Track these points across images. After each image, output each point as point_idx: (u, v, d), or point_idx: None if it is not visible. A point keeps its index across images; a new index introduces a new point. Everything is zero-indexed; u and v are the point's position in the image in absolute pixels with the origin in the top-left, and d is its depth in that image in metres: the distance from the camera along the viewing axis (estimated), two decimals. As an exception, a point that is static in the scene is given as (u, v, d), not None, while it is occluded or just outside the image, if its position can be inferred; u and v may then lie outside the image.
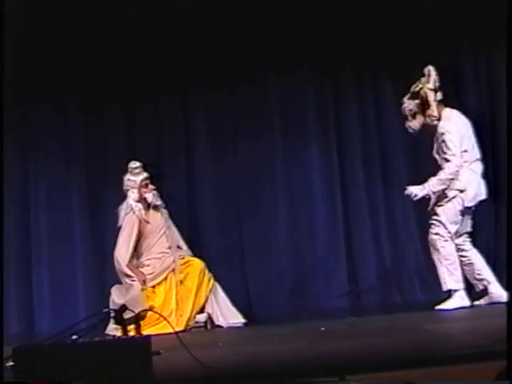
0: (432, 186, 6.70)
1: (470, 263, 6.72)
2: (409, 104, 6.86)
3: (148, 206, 7.19)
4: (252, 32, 7.92)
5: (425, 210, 7.67)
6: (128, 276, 6.97)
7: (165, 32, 7.87)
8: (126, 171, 7.74)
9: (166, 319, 6.46)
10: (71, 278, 7.95)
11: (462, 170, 6.69)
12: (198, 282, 6.98)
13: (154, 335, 5.61)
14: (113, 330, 6.30)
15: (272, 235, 8.06)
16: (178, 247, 7.26)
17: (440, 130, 6.76)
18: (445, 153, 6.69)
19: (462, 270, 6.71)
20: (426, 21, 7.79)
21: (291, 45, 7.99)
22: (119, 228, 7.20)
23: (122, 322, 4.15)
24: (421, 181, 7.12)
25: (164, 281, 7.02)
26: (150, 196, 7.18)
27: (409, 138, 7.95)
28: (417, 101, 6.82)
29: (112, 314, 5.12)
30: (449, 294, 6.68)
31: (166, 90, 8.07)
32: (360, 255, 8.05)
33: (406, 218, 8.03)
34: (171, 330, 6.10)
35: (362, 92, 8.20)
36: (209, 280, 7.06)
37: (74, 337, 4.04)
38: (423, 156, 7.75)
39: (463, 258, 6.73)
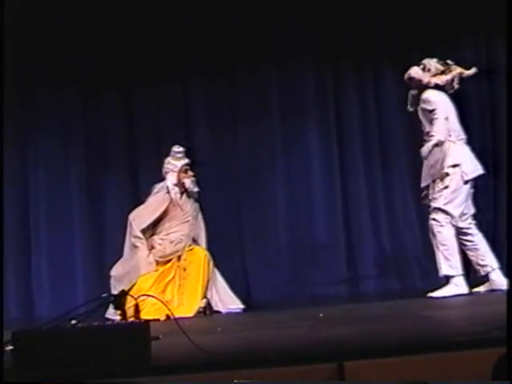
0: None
1: (475, 248, 6.67)
2: (434, 62, 6.96)
3: (184, 191, 7.20)
4: (252, 18, 7.91)
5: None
6: (138, 238, 6.98)
7: (164, 17, 7.86)
8: (125, 155, 7.76)
9: (162, 302, 6.41)
10: (70, 262, 7.97)
11: (452, 146, 6.69)
12: (201, 271, 6.97)
13: (153, 320, 5.60)
14: (113, 313, 6.31)
15: (271, 221, 8.06)
16: (194, 240, 7.23)
17: (427, 94, 6.85)
18: (430, 111, 6.76)
19: (465, 255, 6.65)
20: (427, 7, 7.78)
21: (291, 30, 7.97)
22: (141, 203, 7.23)
23: (121, 307, 4.15)
24: (420, 168, 7.11)
25: (167, 262, 7.03)
26: (188, 182, 7.19)
27: (408, 125, 7.96)
28: (442, 68, 6.94)
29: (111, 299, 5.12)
30: (447, 280, 6.67)
31: (166, 75, 8.06)
32: (359, 242, 8.06)
33: (405, 204, 8.03)
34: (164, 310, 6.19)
35: (362, 78, 8.19)
36: (211, 269, 7.07)
37: (73, 321, 4.03)
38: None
39: (468, 243, 6.67)
